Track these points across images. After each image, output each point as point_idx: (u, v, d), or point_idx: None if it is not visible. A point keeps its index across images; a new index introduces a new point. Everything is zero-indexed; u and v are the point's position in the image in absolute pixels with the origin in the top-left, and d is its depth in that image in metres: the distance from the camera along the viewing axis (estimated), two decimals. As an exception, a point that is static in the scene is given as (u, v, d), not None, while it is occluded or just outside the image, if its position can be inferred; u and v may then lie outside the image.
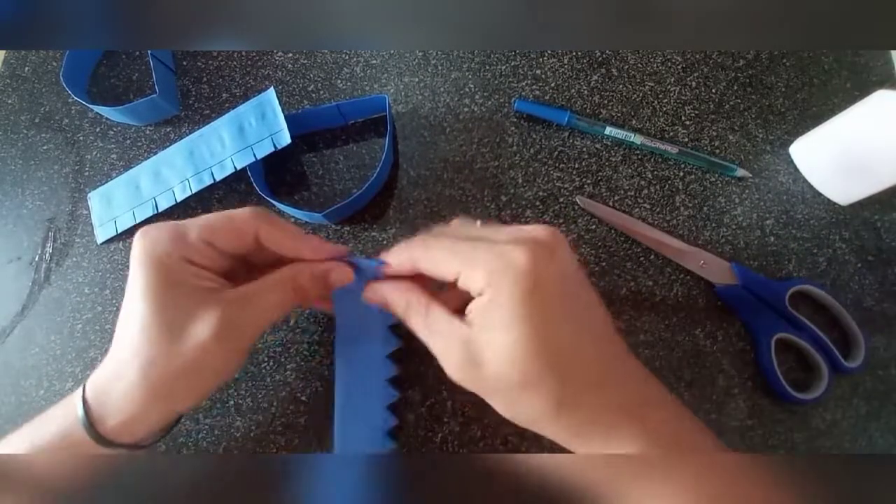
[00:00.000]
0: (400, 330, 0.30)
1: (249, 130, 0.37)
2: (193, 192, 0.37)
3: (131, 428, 0.24)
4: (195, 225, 0.26)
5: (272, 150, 0.36)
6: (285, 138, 0.36)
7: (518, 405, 0.23)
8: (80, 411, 0.24)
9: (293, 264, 0.27)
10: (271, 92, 0.37)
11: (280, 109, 0.36)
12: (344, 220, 0.38)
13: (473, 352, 0.22)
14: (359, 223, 0.38)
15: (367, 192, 0.36)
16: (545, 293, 0.22)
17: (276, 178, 0.40)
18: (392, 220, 0.38)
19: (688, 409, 0.24)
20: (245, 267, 0.28)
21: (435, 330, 0.24)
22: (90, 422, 0.24)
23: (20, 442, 0.25)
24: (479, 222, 0.26)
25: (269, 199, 0.37)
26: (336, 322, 0.30)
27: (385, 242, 0.37)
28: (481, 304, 0.22)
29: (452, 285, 0.24)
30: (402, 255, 0.26)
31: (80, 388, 0.25)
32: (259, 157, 0.36)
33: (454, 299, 0.25)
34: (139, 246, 0.25)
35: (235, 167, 0.36)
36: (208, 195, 0.39)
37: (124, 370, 0.24)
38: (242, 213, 0.26)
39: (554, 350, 0.22)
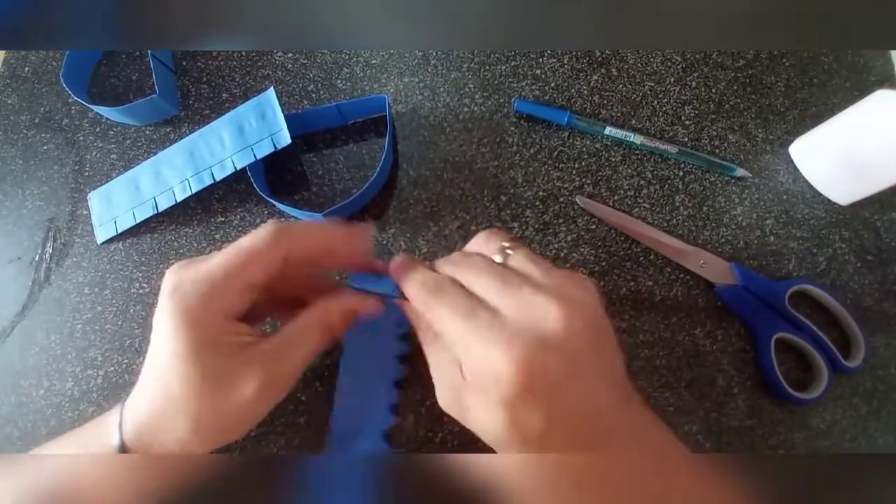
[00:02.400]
0: (412, 335, 0.30)
1: (249, 130, 0.37)
2: (193, 191, 0.37)
3: (167, 460, 0.25)
4: (221, 273, 0.24)
5: (272, 150, 0.36)
6: (285, 138, 0.36)
7: (495, 446, 0.23)
8: (115, 434, 0.24)
9: (320, 304, 0.27)
10: (271, 92, 0.37)
11: (280, 109, 0.36)
12: (344, 220, 0.38)
13: (462, 396, 0.23)
14: (359, 221, 0.38)
15: (366, 192, 0.36)
16: (544, 382, 0.20)
17: (276, 177, 0.40)
18: (392, 220, 0.38)
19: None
20: (266, 291, 0.27)
21: (433, 356, 0.25)
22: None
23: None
24: (505, 244, 0.25)
25: (268, 198, 0.37)
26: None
27: (385, 242, 0.37)
28: (474, 374, 0.22)
29: None
30: (414, 291, 0.25)
31: (115, 430, 0.25)
32: (259, 157, 0.36)
33: None
34: (172, 303, 0.24)
35: (235, 167, 0.36)
36: (208, 195, 0.39)
37: (172, 425, 0.24)
38: (262, 240, 0.25)
39: (536, 437, 0.21)
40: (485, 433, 0.22)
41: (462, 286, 0.23)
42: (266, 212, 0.38)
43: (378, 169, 0.37)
